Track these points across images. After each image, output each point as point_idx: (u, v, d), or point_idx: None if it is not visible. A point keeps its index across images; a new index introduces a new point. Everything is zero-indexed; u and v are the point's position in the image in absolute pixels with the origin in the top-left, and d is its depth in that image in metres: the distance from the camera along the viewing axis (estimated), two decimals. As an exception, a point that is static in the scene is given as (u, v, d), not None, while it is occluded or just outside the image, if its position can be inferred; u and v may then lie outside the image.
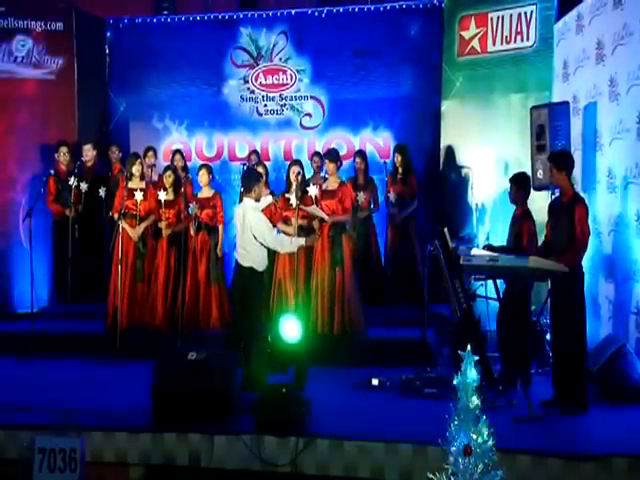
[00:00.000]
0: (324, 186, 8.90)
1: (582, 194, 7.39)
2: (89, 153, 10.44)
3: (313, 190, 8.54)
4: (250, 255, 7.48)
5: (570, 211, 6.56)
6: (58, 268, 10.18)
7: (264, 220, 7.56)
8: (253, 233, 7.42)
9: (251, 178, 7.79)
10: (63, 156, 10.25)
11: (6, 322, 9.22)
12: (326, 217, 8.56)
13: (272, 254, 8.98)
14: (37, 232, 9.60)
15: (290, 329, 7.33)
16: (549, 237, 6.89)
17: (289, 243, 7.74)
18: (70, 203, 9.92)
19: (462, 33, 10.53)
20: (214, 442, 6.03)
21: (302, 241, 7.83)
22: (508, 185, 7.53)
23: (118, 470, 6.13)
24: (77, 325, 9.46)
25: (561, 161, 6.76)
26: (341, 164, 9.19)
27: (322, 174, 9.31)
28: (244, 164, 10.19)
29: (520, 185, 7.42)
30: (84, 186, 10.00)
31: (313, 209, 8.51)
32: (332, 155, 8.96)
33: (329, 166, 8.85)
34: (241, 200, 8.03)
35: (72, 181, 9.86)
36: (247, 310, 7.51)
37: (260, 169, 9.24)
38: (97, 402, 6.96)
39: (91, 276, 10.08)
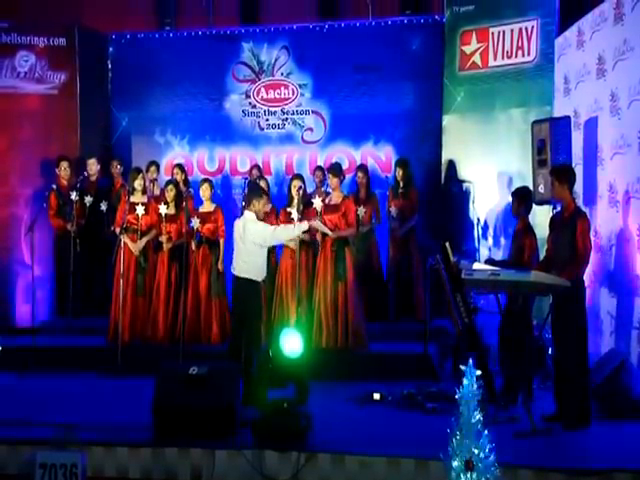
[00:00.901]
0: (327, 200, 8.91)
1: (584, 208, 7.40)
2: (93, 167, 10.46)
3: (318, 202, 8.55)
4: (248, 265, 7.51)
5: (572, 225, 6.56)
6: (59, 283, 10.19)
7: (262, 224, 7.67)
8: (255, 241, 7.47)
9: (252, 192, 7.84)
10: (64, 171, 10.28)
11: (7, 336, 9.21)
12: (329, 232, 8.56)
13: (273, 268, 9.01)
14: (39, 247, 9.61)
15: (291, 343, 7.32)
16: (550, 251, 6.88)
17: (292, 230, 7.83)
18: (72, 217, 9.92)
19: (463, 48, 10.56)
20: (215, 457, 6.01)
21: (305, 225, 7.86)
22: (510, 199, 7.53)
23: (119, 485, 6.11)
24: (78, 340, 9.46)
25: (563, 175, 6.76)
26: (344, 178, 9.20)
27: (324, 188, 9.31)
28: (245, 178, 10.22)
29: (522, 199, 7.43)
30: (88, 199, 10.02)
31: (317, 224, 8.52)
32: (335, 169, 8.98)
33: (332, 180, 8.85)
34: (242, 214, 8.05)
35: (74, 195, 9.87)
36: (246, 321, 7.52)
37: (262, 183, 9.26)
38: (98, 417, 6.95)
39: (93, 291, 10.11)
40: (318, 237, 8.66)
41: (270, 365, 7.48)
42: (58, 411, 7.12)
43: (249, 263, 7.51)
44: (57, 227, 10.16)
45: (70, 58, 11.05)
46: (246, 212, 7.66)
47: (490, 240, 10.03)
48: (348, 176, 10.52)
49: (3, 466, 6.20)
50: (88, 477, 5.65)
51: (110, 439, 6.26)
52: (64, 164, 10.30)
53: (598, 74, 8.13)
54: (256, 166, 10.74)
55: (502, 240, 9.79)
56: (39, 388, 8.18)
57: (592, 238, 6.84)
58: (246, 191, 8.03)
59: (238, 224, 7.65)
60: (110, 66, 11.71)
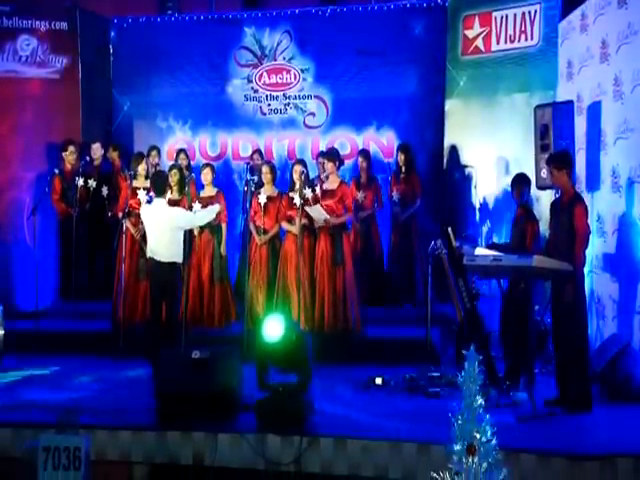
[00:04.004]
0: (324, 186, 8.91)
1: (585, 194, 7.39)
2: (97, 152, 10.46)
3: (309, 193, 8.59)
4: (171, 250, 7.82)
5: (570, 210, 6.57)
6: (63, 266, 10.21)
7: (179, 209, 8.23)
8: (179, 225, 7.86)
9: (166, 181, 8.17)
10: (70, 155, 10.28)
11: (10, 320, 9.21)
12: (328, 217, 8.58)
13: (276, 254, 9.02)
14: (41, 231, 9.62)
15: (271, 328, 7.28)
16: (551, 236, 6.89)
17: (209, 211, 8.36)
18: (75, 202, 9.93)
19: (466, 32, 10.52)
20: (218, 441, 6.03)
21: (217, 207, 8.47)
22: (509, 184, 7.52)
23: (122, 468, 6.14)
24: (81, 323, 9.48)
25: (560, 161, 6.76)
26: (341, 163, 9.19)
27: (325, 174, 9.30)
28: (247, 163, 10.20)
29: (520, 186, 7.43)
30: (92, 183, 10.03)
31: (316, 212, 8.54)
32: (331, 154, 8.97)
33: (328, 165, 8.87)
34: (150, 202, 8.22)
35: (78, 179, 9.87)
36: (169, 305, 7.90)
37: (265, 168, 9.25)
38: (101, 400, 6.98)
39: (96, 275, 10.10)
40: (319, 222, 8.68)
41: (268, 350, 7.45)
42: (61, 395, 7.15)
43: (172, 248, 7.81)
44: (61, 211, 10.16)
45: (72, 42, 11.02)
46: (158, 199, 7.87)
47: (491, 225, 10.02)
48: (350, 161, 10.52)
49: (7, 449, 6.24)
50: (91, 460, 5.66)
51: (113, 423, 6.29)
52: (71, 148, 10.30)
53: (602, 58, 8.10)
54: (258, 151, 10.72)
55: (503, 225, 9.78)
56: (42, 372, 8.21)
57: (595, 223, 6.83)
58: (155, 181, 8.07)
59: (147, 213, 7.96)
60: (112, 50, 11.67)
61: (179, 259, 7.94)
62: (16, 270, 10.65)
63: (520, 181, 7.48)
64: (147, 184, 9.24)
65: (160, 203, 7.88)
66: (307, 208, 8.66)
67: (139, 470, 6.16)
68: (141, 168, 9.27)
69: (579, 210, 6.55)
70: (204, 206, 9.12)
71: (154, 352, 7.39)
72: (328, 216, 8.61)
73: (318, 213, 8.62)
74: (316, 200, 8.74)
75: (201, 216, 8.37)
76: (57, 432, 5.62)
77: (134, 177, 9.23)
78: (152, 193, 8.06)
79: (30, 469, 5.56)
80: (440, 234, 7.72)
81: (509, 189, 7.74)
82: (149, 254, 7.93)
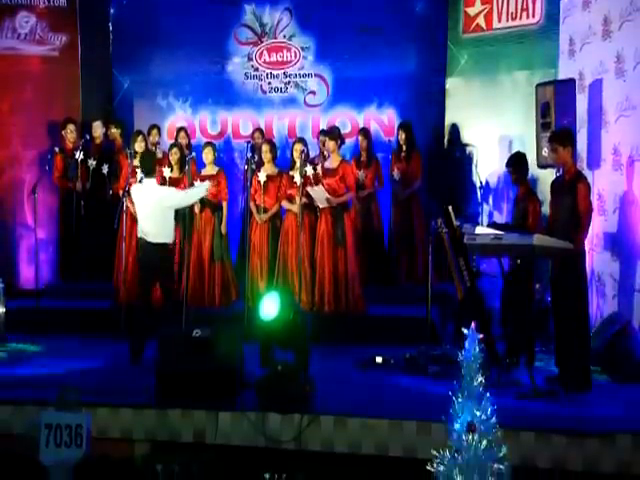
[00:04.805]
0: (325, 164, 8.89)
1: (586, 172, 7.37)
2: (98, 130, 10.41)
3: (310, 171, 8.57)
4: (164, 231, 7.74)
5: (572, 189, 6.54)
6: (63, 245, 10.21)
7: (169, 188, 8.19)
8: (171, 204, 7.77)
9: (153, 161, 8.08)
10: (70, 133, 10.25)
11: (11, 299, 9.23)
12: (330, 198, 8.57)
13: (277, 233, 9.02)
14: (42, 209, 9.61)
15: (268, 306, 7.28)
16: (553, 216, 6.87)
17: (199, 189, 8.21)
18: (76, 180, 9.91)
19: (467, 10, 10.47)
20: (219, 419, 6.06)
21: (207, 183, 8.32)
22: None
23: (123, 446, 6.16)
24: (82, 302, 9.48)
25: (564, 138, 6.72)
26: (343, 142, 9.17)
27: (327, 153, 9.28)
28: (248, 142, 10.17)
29: (516, 166, 7.38)
30: (92, 162, 10.00)
31: (318, 194, 8.53)
32: (333, 133, 8.94)
33: (329, 144, 8.85)
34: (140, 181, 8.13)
35: (78, 156, 9.85)
36: (163, 287, 7.88)
37: (265, 146, 9.23)
38: (102, 379, 7.00)
39: (96, 253, 10.09)
40: (320, 203, 8.67)
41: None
42: (62, 373, 7.18)
43: (162, 228, 7.71)
44: (63, 189, 10.14)
45: (71, 19, 10.97)
46: (147, 180, 7.79)
47: (492, 203, 10.01)
48: (351, 140, 10.48)
49: (9, 426, 6.26)
50: (93, 438, 5.69)
51: (114, 401, 6.31)
52: (71, 126, 10.27)
53: (604, 35, 8.06)
54: (259, 129, 10.69)
55: (504, 204, 9.77)
56: (43, 350, 8.24)
57: (595, 201, 6.82)
58: (144, 161, 8.04)
59: (138, 194, 7.83)
60: (111, 28, 11.59)
61: (170, 240, 7.87)
62: (17, 249, 10.65)
63: (514, 162, 7.42)
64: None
65: (150, 183, 7.81)
66: (309, 190, 8.66)
67: (140, 448, 6.18)
68: (138, 146, 9.25)
69: (582, 188, 6.52)
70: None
71: (143, 333, 7.42)
72: (330, 197, 8.59)
73: (320, 194, 8.61)
74: (317, 179, 8.73)
75: (191, 194, 8.21)
76: (57, 409, 5.65)
77: (134, 156, 9.20)
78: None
79: (33, 444, 5.60)
80: (441, 213, 7.71)
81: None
82: (140, 234, 7.85)
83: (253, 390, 6.26)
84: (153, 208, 7.71)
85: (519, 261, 6.95)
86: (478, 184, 10.12)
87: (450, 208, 7.52)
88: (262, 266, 9.09)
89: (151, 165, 7.93)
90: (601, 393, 6.55)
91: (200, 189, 8.23)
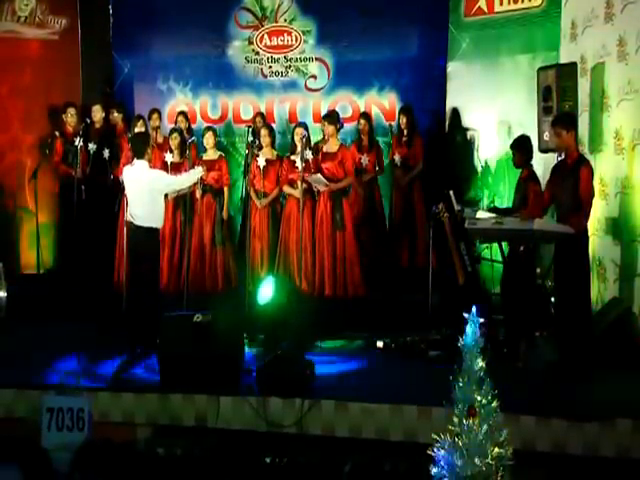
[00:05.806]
0: (324, 149, 8.88)
1: (588, 156, 7.35)
2: (98, 114, 10.35)
3: (309, 155, 8.56)
4: (153, 215, 7.55)
5: (575, 173, 6.53)
6: (64, 230, 10.19)
7: (159, 171, 7.97)
8: (157, 187, 7.55)
9: (143, 142, 7.78)
10: (70, 117, 10.21)
11: (12, 284, 9.24)
12: (323, 187, 8.59)
13: (277, 217, 9.02)
14: (43, 193, 9.58)
15: (264, 291, 7.27)
16: (550, 199, 6.84)
17: (191, 174, 8.05)
18: (77, 164, 9.89)
19: (469, -7, 10.41)
20: (220, 403, 6.07)
21: (200, 169, 8.16)
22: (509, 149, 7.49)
23: (125, 430, 6.18)
24: (83, 287, 9.48)
25: (568, 122, 6.71)
26: (341, 126, 9.15)
27: (325, 137, 9.25)
28: (249, 126, 10.13)
29: (521, 149, 7.38)
30: (92, 147, 9.98)
31: (317, 181, 8.53)
32: (331, 117, 8.93)
33: (328, 128, 8.85)
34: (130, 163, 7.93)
35: (79, 142, 9.83)
36: (149, 271, 7.62)
37: (264, 130, 9.22)
38: (103, 363, 7.02)
39: (97, 238, 10.08)
40: (319, 187, 8.67)
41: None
42: (64, 358, 7.19)
43: (151, 212, 7.53)
44: (63, 173, 10.12)
45: (71, 3, 10.93)
46: (138, 161, 7.59)
47: (494, 188, 9.99)
48: (353, 124, 10.43)
49: (11, 409, 6.28)
50: (94, 422, 5.71)
51: (115, 385, 6.33)
52: (71, 110, 10.23)
53: (606, 18, 8.00)
54: (259, 114, 10.66)
55: (505, 188, 9.74)
56: (44, 334, 8.24)
57: (597, 185, 6.81)
58: (135, 142, 7.93)
59: (129, 175, 7.64)
60: (112, 11, 11.51)
61: (158, 225, 7.65)
62: (18, 233, 10.64)
63: (518, 145, 7.41)
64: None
65: (141, 164, 7.60)
66: (307, 177, 8.65)
67: (142, 432, 6.20)
68: (138, 131, 9.22)
69: (585, 172, 6.51)
70: (207, 170, 9.10)
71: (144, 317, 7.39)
72: (329, 183, 8.59)
73: (319, 181, 8.61)
74: (317, 164, 8.72)
75: (182, 180, 8.06)
76: (59, 393, 5.66)
77: (133, 140, 9.18)
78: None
79: (35, 427, 5.62)
80: (442, 197, 7.70)
81: (508, 152, 7.70)
82: (127, 218, 7.65)
83: (254, 375, 6.28)
84: (142, 190, 7.51)
85: (522, 248, 6.94)
86: (479, 168, 10.09)
87: (451, 192, 7.51)
88: (263, 251, 9.09)
89: (142, 147, 7.67)
90: (601, 377, 6.54)
91: (191, 175, 8.05)
